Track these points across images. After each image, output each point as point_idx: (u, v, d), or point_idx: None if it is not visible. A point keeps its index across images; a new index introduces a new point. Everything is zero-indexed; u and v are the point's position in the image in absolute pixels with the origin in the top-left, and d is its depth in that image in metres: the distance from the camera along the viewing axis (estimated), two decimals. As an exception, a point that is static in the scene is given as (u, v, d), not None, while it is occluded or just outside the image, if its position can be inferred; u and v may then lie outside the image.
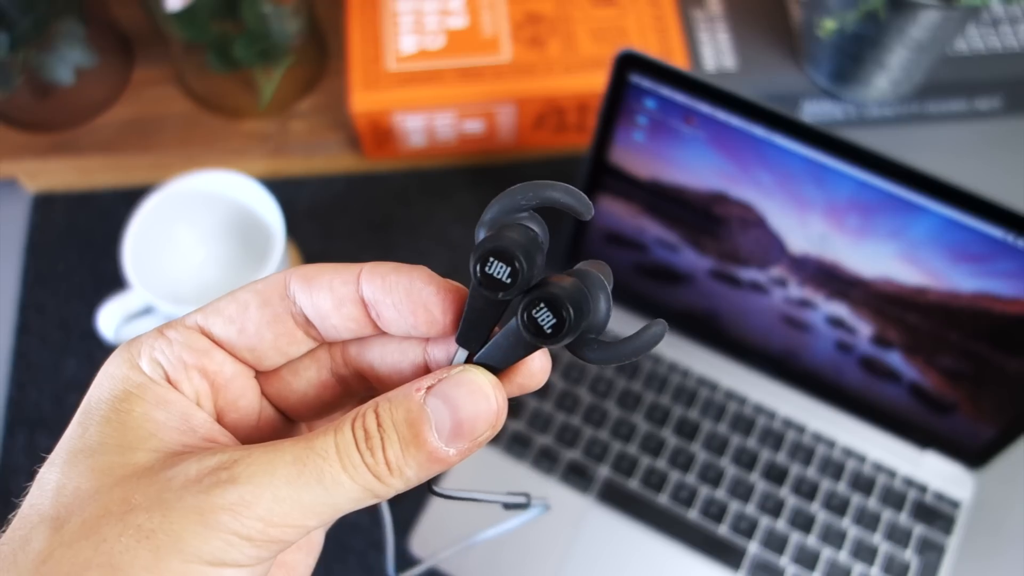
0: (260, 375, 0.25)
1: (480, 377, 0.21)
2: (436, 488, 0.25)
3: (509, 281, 0.21)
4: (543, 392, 0.57)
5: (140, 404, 0.22)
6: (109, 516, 0.19)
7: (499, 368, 0.22)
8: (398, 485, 0.21)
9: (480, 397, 0.21)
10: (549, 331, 0.21)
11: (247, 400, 0.24)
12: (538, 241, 0.21)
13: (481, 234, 0.22)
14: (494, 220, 0.21)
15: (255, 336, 0.23)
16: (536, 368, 0.23)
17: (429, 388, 0.21)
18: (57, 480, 0.20)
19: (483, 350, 0.22)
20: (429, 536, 0.53)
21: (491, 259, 0.21)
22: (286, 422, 0.26)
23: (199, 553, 0.19)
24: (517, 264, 0.20)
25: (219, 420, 0.23)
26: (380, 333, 0.23)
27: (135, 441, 0.21)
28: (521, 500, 0.27)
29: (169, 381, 0.22)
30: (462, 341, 0.23)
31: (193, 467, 0.20)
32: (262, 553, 0.20)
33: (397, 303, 0.22)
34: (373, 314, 0.23)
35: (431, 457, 0.21)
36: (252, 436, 0.24)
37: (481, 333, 0.22)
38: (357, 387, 0.26)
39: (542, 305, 0.21)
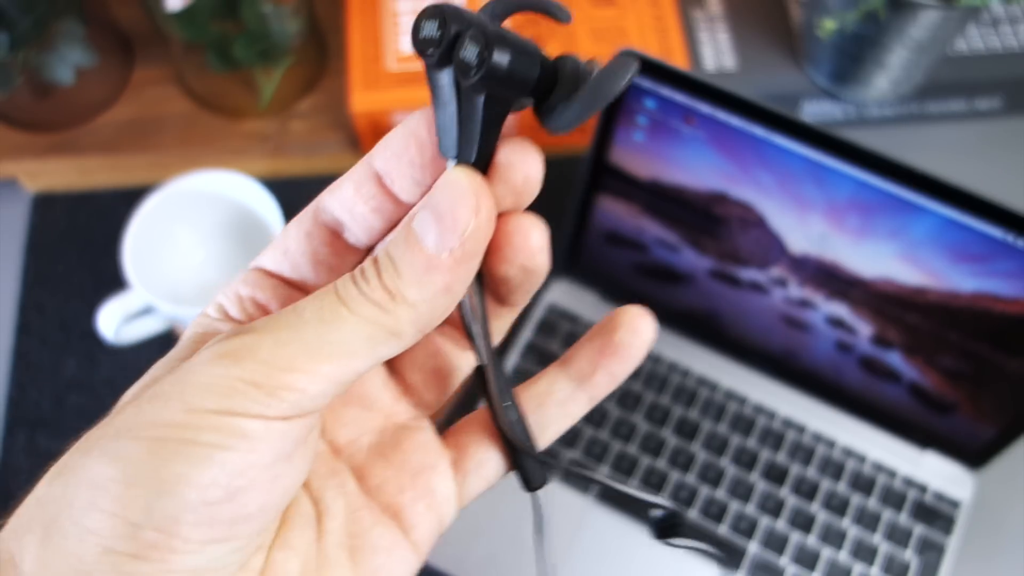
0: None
1: (451, 172, 0.20)
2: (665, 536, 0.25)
3: (439, 33, 0.19)
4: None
5: (201, 337, 0.22)
6: (131, 398, 0.20)
7: (484, 162, 0.21)
8: (404, 311, 0.20)
9: (452, 186, 0.20)
10: (475, 61, 0.19)
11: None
12: (481, 19, 0.20)
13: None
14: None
15: (298, 254, 0.23)
16: (515, 158, 0.21)
17: (414, 213, 0.21)
18: (121, 402, 0.21)
19: (453, 145, 0.21)
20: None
21: (422, 22, 0.20)
22: None
23: (203, 402, 0.18)
24: (443, 16, 0.19)
25: None
26: (405, 207, 0.23)
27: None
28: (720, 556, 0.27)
29: (228, 317, 0.22)
30: (443, 149, 0.21)
31: (211, 340, 0.20)
32: (279, 405, 0.18)
33: (398, 152, 0.22)
34: (388, 182, 0.22)
35: (426, 266, 0.20)
36: None
37: (454, 132, 0.21)
38: None
39: (465, 43, 0.19)
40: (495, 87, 0.20)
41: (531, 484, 0.24)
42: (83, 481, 0.18)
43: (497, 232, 0.21)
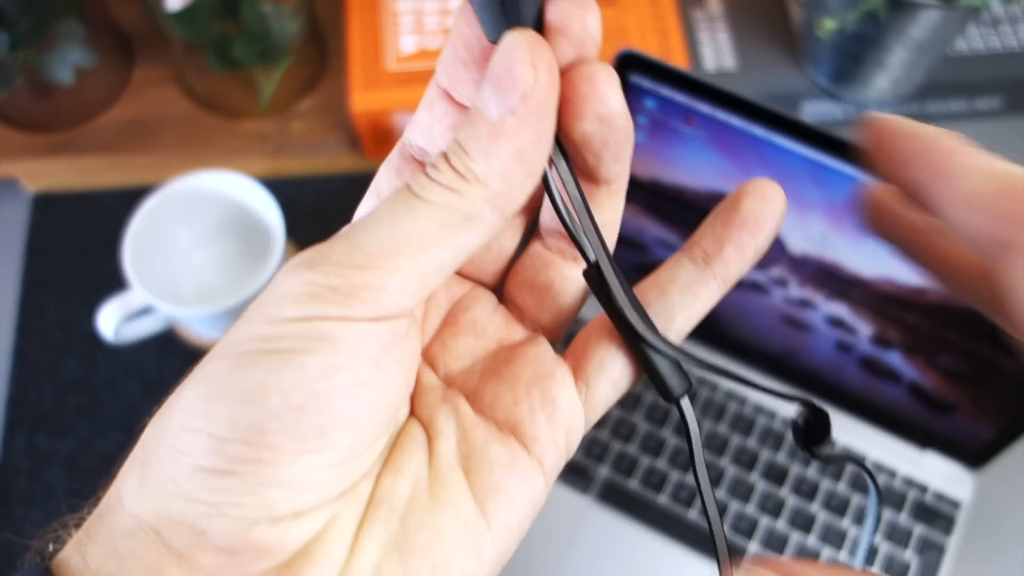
0: None
1: (502, 40, 0.19)
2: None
3: None
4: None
5: None
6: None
7: (536, 27, 0.19)
8: (480, 191, 0.18)
9: (505, 49, 0.18)
10: None
11: None
12: None
13: None
14: None
15: (390, 191, 0.22)
16: (568, 6, 0.19)
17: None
18: None
19: (499, 24, 0.19)
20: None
21: None
22: None
23: (281, 311, 0.18)
24: None
25: None
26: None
27: None
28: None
29: None
30: (490, 36, 0.20)
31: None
32: (360, 305, 0.18)
33: (452, 60, 0.20)
34: (455, 95, 0.21)
35: (491, 134, 0.18)
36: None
37: (504, 9, 0.19)
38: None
39: None
40: None
41: (669, 393, 0.22)
42: (176, 408, 0.18)
43: (563, 88, 0.19)
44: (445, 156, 0.19)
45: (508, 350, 0.22)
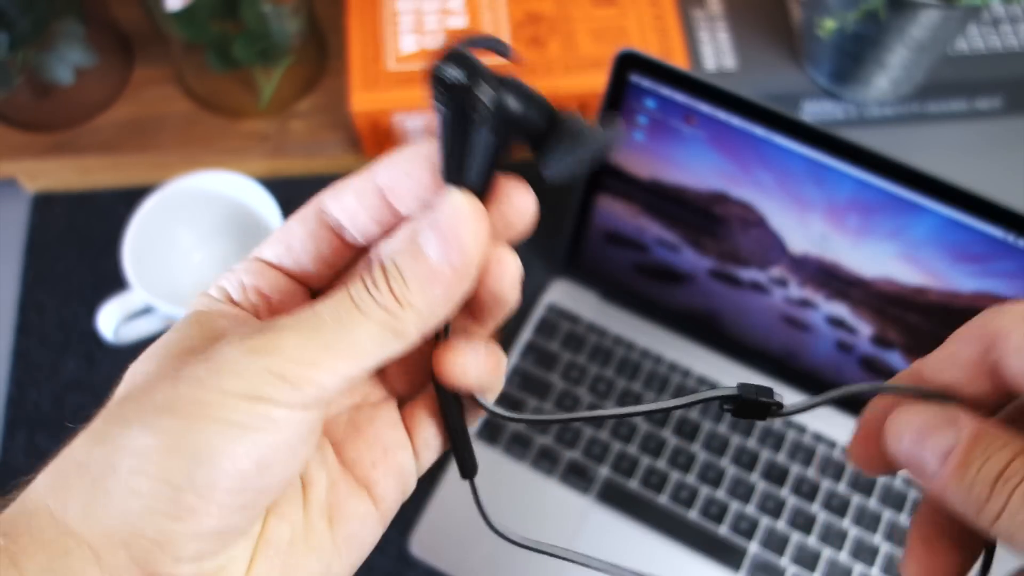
0: (316, 292, 0.27)
1: (455, 195, 0.23)
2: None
3: (464, 75, 0.22)
4: (543, 392, 0.57)
5: (207, 316, 0.25)
6: (164, 378, 0.22)
7: (482, 191, 0.24)
8: (411, 317, 0.23)
9: (453, 205, 0.23)
10: (491, 103, 0.22)
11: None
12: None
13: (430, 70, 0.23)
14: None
15: (300, 251, 0.26)
16: (512, 193, 0.24)
17: (416, 226, 0.23)
18: (131, 373, 0.24)
19: (457, 172, 0.23)
20: (429, 536, 0.53)
21: (445, 66, 0.22)
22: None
23: (236, 388, 0.21)
24: (467, 63, 0.22)
25: None
26: (402, 217, 0.26)
27: (203, 340, 0.23)
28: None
29: (231, 302, 0.25)
30: (446, 175, 0.24)
31: (237, 334, 0.22)
32: (300, 395, 0.21)
33: (407, 171, 0.25)
34: (391, 196, 0.25)
35: (430, 276, 0.23)
36: None
37: (460, 162, 0.23)
38: None
39: (482, 85, 0.22)
40: (502, 127, 0.23)
41: (464, 472, 0.27)
42: (127, 449, 0.20)
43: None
44: (386, 279, 0.23)
45: (370, 408, 0.27)
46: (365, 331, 0.22)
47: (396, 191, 0.25)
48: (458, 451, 0.27)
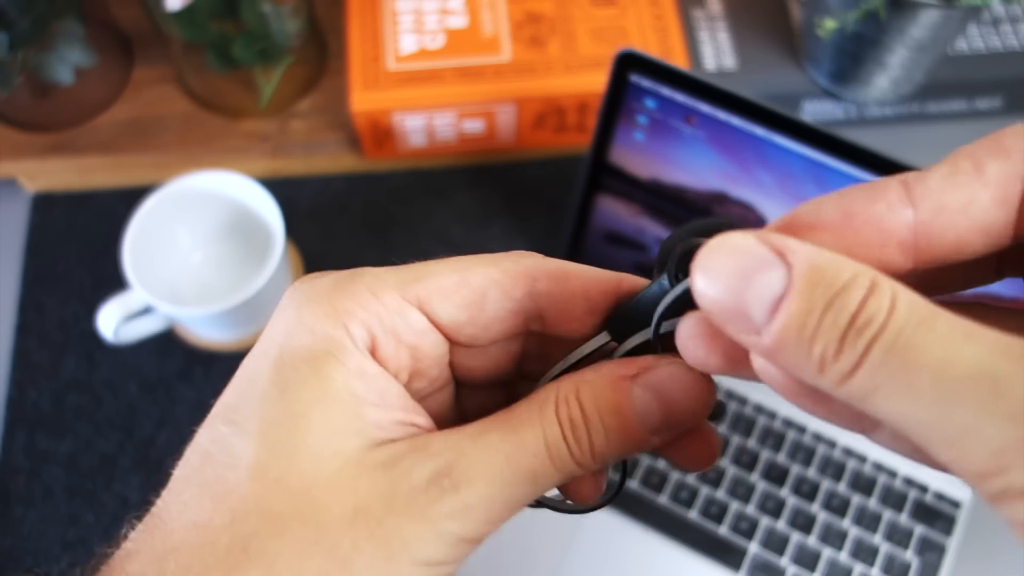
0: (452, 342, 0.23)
1: (690, 372, 0.20)
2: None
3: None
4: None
5: (342, 371, 0.20)
6: (336, 520, 0.19)
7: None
8: (595, 467, 0.21)
9: (694, 394, 0.20)
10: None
11: (438, 371, 0.23)
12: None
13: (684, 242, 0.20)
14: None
15: (482, 328, 0.22)
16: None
17: (634, 377, 0.21)
18: (255, 458, 0.19)
19: (620, 322, 0.22)
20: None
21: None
22: (458, 384, 0.25)
23: (428, 557, 0.19)
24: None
25: (407, 386, 0.22)
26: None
27: (340, 420, 0.20)
28: None
29: (375, 354, 0.21)
30: (612, 329, 0.22)
31: (415, 473, 0.20)
32: (472, 548, 0.20)
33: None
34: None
35: (636, 446, 0.21)
36: (429, 396, 0.24)
37: (637, 325, 0.21)
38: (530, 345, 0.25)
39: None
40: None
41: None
42: None
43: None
44: (589, 434, 0.21)
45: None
46: (551, 483, 0.21)
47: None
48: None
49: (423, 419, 0.22)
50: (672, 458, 0.23)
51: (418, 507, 0.19)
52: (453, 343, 0.23)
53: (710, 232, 0.18)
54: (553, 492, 0.23)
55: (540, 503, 0.24)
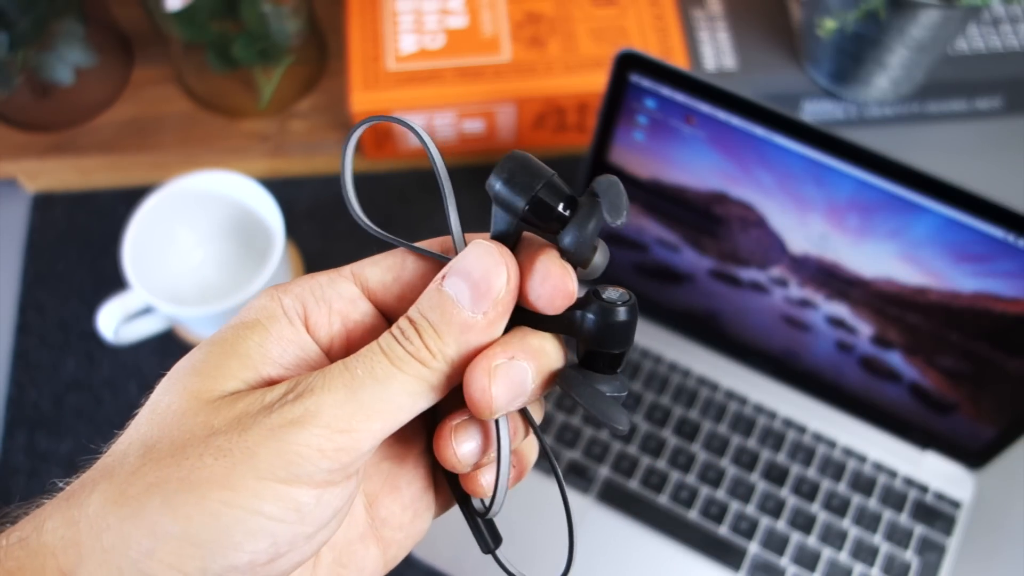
0: (386, 314, 0.26)
1: (480, 241, 0.23)
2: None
3: (567, 214, 0.23)
4: (543, 392, 0.57)
5: (260, 334, 0.23)
6: (193, 438, 0.21)
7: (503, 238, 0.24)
8: (442, 366, 0.22)
9: (487, 258, 0.22)
10: (567, 214, 0.23)
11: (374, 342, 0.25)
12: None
13: (521, 178, 0.23)
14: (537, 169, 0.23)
15: (406, 286, 0.25)
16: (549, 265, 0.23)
17: (443, 276, 0.23)
18: (156, 398, 0.23)
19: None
20: (429, 536, 0.53)
21: (556, 200, 0.23)
22: None
23: (271, 468, 0.20)
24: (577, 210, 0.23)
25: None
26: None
27: (235, 368, 0.23)
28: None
29: (307, 322, 0.24)
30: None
31: (267, 395, 0.22)
32: (332, 465, 0.21)
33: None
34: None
35: (463, 327, 0.22)
36: None
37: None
38: None
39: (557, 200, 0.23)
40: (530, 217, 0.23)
41: (484, 547, 0.27)
42: (144, 529, 0.20)
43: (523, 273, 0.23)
44: (417, 331, 0.22)
45: (398, 462, 0.27)
46: (400, 384, 0.22)
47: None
48: (475, 530, 0.27)
49: None
50: (529, 301, 0.24)
51: (262, 418, 0.21)
52: (386, 313, 0.25)
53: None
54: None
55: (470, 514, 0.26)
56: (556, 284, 0.23)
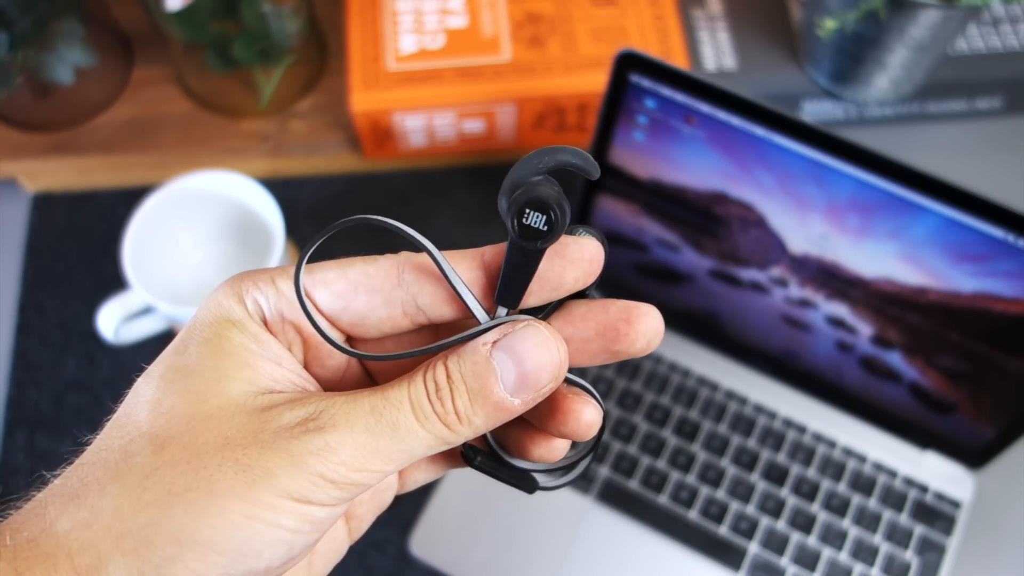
0: (351, 338, 0.26)
1: (543, 331, 0.23)
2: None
3: (546, 229, 0.22)
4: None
5: (238, 334, 0.23)
6: (207, 446, 0.21)
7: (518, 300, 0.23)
8: (467, 433, 0.23)
9: (543, 351, 0.22)
10: (544, 228, 0.22)
11: (335, 360, 0.26)
12: (563, 193, 0.22)
13: (504, 201, 0.22)
14: (516, 183, 0.22)
15: (358, 315, 0.24)
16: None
17: (495, 343, 0.23)
18: (153, 395, 0.22)
19: (504, 291, 0.23)
20: (429, 536, 0.53)
21: (527, 210, 0.21)
22: (368, 378, 0.28)
23: (288, 489, 0.21)
24: (553, 213, 0.21)
25: (306, 370, 0.25)
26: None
27: (231, 369, 0.23)
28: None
29: (266, 325, 0.24)
30: (501, 299, 0.23)
31: (285, 415, 0.22)
32: (343, 495, 0.22)
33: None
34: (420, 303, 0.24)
35: (497, 407, 0.22)
36: (336, 388, 0.26)
37: (520, 288, 0.23)
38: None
39: (527, 210, 0.22)
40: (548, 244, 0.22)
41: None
42: (167, 536, 0.20)
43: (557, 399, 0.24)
44: (451, 392, 0.22)
45: None
46: (419, 440, 0.22)
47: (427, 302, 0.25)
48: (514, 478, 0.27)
49: (314, 388, 0.25)
50: (547, 427, 0.25)
51: (282, 442, 0.21)
52: (348, 335, 0.25)
53: (535, 188, 0.21)
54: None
55: (482, 468, 0.26)
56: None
